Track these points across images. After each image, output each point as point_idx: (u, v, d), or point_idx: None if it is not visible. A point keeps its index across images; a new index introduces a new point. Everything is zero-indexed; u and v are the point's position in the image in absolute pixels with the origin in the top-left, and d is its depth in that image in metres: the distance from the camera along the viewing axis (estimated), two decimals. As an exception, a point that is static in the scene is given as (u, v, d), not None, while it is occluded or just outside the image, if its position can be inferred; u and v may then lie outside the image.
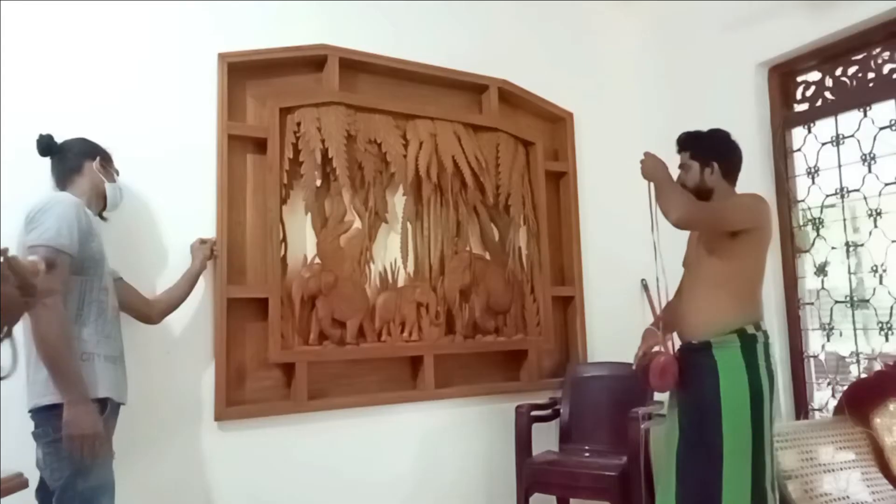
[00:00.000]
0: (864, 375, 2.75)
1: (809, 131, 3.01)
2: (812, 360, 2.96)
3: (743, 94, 3.07)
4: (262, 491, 2.53)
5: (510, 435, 2.88)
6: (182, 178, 2.50)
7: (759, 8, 2.99)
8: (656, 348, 2.15)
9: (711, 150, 2.21)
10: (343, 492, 2.66)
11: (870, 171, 2.78)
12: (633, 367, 2.20)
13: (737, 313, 2.05)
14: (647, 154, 2.18)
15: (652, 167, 2.15)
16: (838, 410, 2.60)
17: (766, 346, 2.06)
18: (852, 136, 2.85)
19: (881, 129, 2.75)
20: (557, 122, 3.46)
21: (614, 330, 3.24)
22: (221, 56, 2.59)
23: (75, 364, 1.80)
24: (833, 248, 2.91)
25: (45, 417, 1.79)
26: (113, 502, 1.87)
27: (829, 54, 2.89)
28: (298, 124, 2.72)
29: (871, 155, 2.77)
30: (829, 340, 2.90)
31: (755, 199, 2.12)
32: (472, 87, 3.20)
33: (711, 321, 2.07)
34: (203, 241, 2.47)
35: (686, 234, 2.28)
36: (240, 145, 2.64)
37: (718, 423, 1.98)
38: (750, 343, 2.03)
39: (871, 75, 2.80)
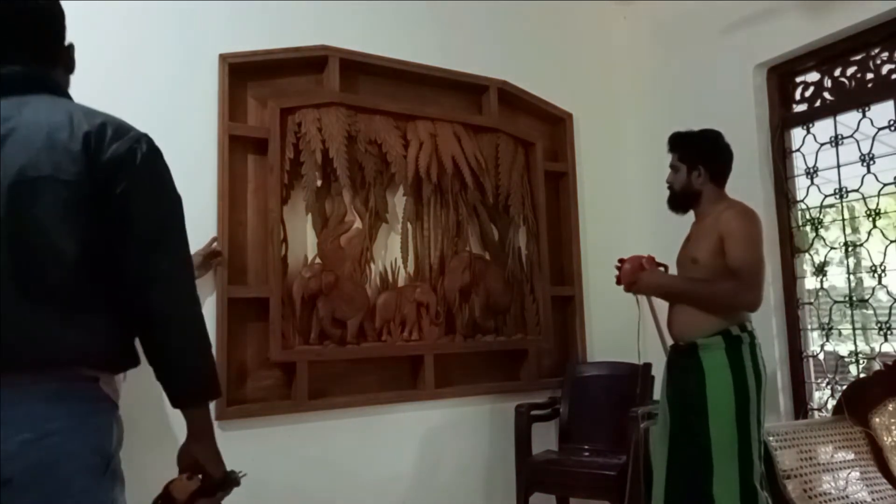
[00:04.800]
0: (863, 375, 2.76)
1: (808, 132, 3.02)
2: (811, 359, 2.96)
3: (742, 94, 3.08)
4: (263, 490, 2.53)
5: (510, 434, 2.89)
6: (183, 179, 2.44)
7: (758, 9, 3.00)
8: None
9: (700, 153, 2.22)
10: (343, 491, 2.67)
11: (868, 171, 2.78)
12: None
13: (721, 315, 2.08)
14: (627, 270, 2.24)
15: (650, 282, 2.21)
16: (837, 410, 2.61)
17: (753, 346, 2.08)
18: (851, 136, 2.86)
19: (880, 129, 2.76)
20: (557, 123, 3.47)
21: (614, 330, 3.24)
22: (222, 57, 2.60)
23: None
24: (832, 248, 2.92)
25: None
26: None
27: (827, 55, 2.90)
28: (299, 125, 2.73)
29: (870, 155, 2.78)
30: (828, 340, 2.91)
31: (752, 224, 2.10)
32: (471, 88, 3.21)
33: (696, 323, 2.11)
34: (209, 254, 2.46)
35: (683, 231, 2.30)
36: (241, 146, 2.65)
37: (705, 423, 2.03)
38: (734, 344, 2.06)
39: (869, 76, 2.81)
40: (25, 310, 1.09)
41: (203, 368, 1.25)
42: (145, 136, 1.24)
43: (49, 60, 1.25)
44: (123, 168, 1.16)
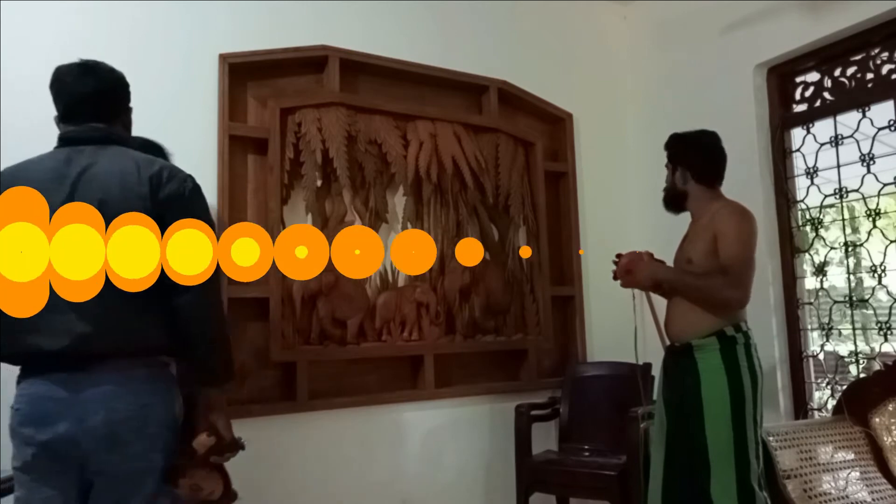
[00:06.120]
0: (863, 375, 2.76)
1: (808, 132, 3.02)
2: (811, 359, 2.96)
3: (742, 94, 3.08)
4: (263, 490, 2.53)
5: (510, 434, 2.89)
6: (183, 179, 2.51)
7: (758, 9, 3.00)
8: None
9: (681, 154, 2.24)
10: (343, 491, 2.67)
11: (868, 171, 2.78)
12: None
13: (715, 314, 2.07)
14: (624, 262, 2.22)
15: (645, 273, 2.18)
16: (837, 410, 2.61)
17: (748, 346, 2.07)
18: (851, 136, 2.86)
19: (880, 129, 2.76)
20: (557, 123, 3.47)
21: (614, 330, 3.23)
22: (222, 57, 2.60)
23: None
24: (832, 248, 2.92)
25: None
26: None
27: (827, 55, 2.90)
28: (299, 125, 2.73)
29: (870, 155, 2.78)
30: (828, 340, 2.91)
31: (745, 223, 2.09)
32: (471, 88, 3.21)
33: (691, 324, 2.11)
34: None
35: (682, 231, 2.30)
36: (241, 146, 2.65)
37: (701, 424, 2.02)
38: (729, 344, 2.05)
39: (869, 76, 2.81)
40: (121, 311, 1.48)
41: (219, 361, 1.60)
42: (190, 176, 1.61)
43: (113, 120, 1.64)
44: (175, 202, 1.54)
